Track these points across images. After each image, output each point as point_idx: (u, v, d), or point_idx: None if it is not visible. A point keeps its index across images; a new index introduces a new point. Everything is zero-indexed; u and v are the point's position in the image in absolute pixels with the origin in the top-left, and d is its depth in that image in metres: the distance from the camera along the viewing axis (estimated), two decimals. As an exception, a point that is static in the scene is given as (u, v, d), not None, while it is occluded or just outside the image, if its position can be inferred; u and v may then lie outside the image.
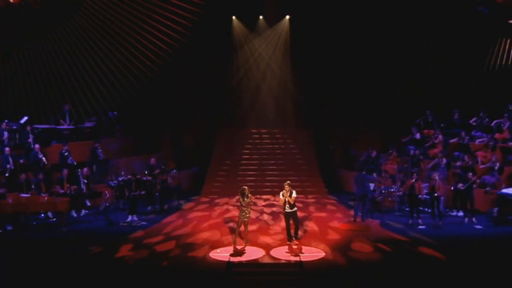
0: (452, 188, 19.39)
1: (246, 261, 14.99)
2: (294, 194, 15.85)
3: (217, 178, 24.18)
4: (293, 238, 15.83)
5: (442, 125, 23.87)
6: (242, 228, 15.97)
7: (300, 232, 16.39)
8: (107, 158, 21.87)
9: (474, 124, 23.40)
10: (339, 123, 25.83)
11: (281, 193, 15.95)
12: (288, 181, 16.25)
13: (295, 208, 15.92)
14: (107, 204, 19.33)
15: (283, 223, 16.72)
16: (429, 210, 18.67)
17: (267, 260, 15.11)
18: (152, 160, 21.12)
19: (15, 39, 24.15)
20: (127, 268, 14.66)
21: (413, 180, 18.71)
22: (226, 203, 21.63)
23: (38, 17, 23.73)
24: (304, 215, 19.29)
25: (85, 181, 19.85)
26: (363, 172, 18.70)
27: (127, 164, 22.52)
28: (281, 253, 15.49)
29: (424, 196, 18.78)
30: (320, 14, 25.29)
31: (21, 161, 20.09)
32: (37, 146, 20.66)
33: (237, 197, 16.56)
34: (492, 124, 22.90)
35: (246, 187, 16.23)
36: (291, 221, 15.89)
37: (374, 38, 25.08)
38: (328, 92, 25.89)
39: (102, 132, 23.54)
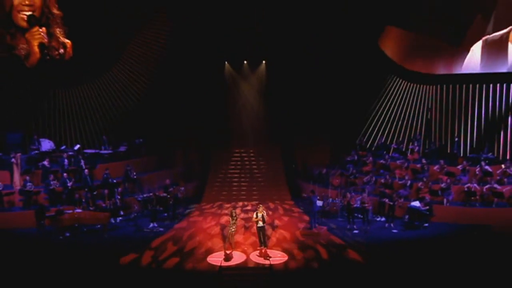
0: (378, 200, 19.68)
1: (232, 265, 15.22)
2: (265, 214, 16.21)
3: (213, 188, 23.99)
4: (263, 245, 16.04)
5: (373, 148, 24.14)
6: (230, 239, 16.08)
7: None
8: (137, 177, 21.81)
9: (394, 147, 23.71)
10: (301, 144, 25.70)
11: (255, 213, 16.18)
12: (261, 204, 16.67)
13: (264, 224, 16.16)
14: (136, 214, 19.49)
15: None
16: (361, 216, 18.94)
17: (247, 264, 15.38)
18: (167, 181, 21.09)
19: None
20: (141, 270, 14.94)
21: (349, 197, 19.16)
22: (219, 210, 21.48)
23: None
24: (272, 220, 19.28)
25: (119, 197, 19.95)
26: (313, 195, 18.88)
27: (151, 178, 22.58)
28: (256, 257, 15.75)
29: (356, 205, 18.89)
30: (287, 59, 25.36)
31: (70, 183, 20.04)
32: (86, 171, 20.65)
33: (227, 217, 16.65)
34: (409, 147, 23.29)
35: (234, 210, 16.67)
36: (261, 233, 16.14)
37: (324, 78, 25.12)
38: (293, 119, 25.78)
39: (132, 154, 23.60)
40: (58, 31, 22.61)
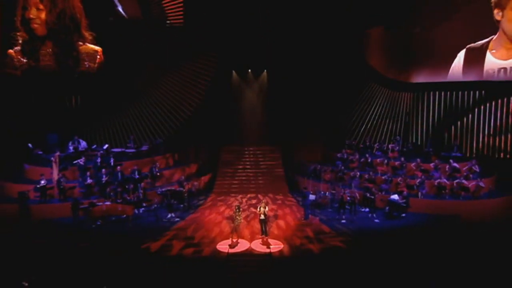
0: (363, 193, 19.81)
1: (238, 252, 15.44)
2: (267, 209, 16.46)
3: (221, 182, 23.85)
4: (264, 234, 16.26)
5: (361, 145, 24.12)
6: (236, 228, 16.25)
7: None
8: (158, 174, 21.79)
9: (377, 147, 23.82)
10: (298, 143, 25.54)
11: (259, 207, 16.46)
12: (264, 200, 16.88)
13: (266, 217, 16.37)
14: (156, 206, 19.66)
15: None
16: (348, 207, 19.06)
17: (250, 251, 15.57)
18: (182, 178, 21.30)
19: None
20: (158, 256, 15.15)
21: (342, 193, 19.30)
22: (227, 202, 21.44)
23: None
24: (272, 212, 19.10)
25: (142, 191, 20.09)
26: (306, 191, 19.20)
27: (169, 174, 22.66)
28: (258, 245, 15.91)
29: (348, 199, 18.98)
30: (285, 68, 25.37)
31: (105, 178, 20.28)
32: (118, 167, 20.86)
33: (233, 210, 16.78)
34: (389, 147, 23.32)
35: (239, 205, 16.79)
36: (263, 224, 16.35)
37: (319, 86, 25.12)
38: (291, 121, 25.66)
39: (153, 153, 23.56)
40: (81, 47, 22.75)
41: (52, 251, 15.31)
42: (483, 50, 22.07)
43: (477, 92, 23.04)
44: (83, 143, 23.02)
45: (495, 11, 21.28)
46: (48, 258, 14.77)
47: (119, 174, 20.61)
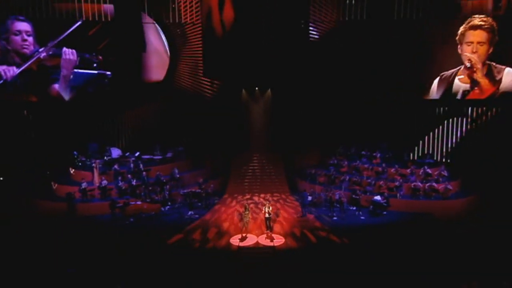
0: (350, 194, 20.08)
1: (247, 245, 15.83)
2: (270, 208, 16.79)
3: (233, 184, 23.89)
4: (268, 230, 16.62)
5: (352, 150, 24.11)
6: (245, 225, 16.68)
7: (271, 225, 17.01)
8: (180, 176, 22.00)
9: (363, 153, 23.90)
10: (298, 150, 25.23)
11: (264, 207, 16.86)
12: (268, 200, 17.19)
13: (270, 215, 16.73)
14: (179, 204, 20.04)
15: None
16: (338, 206, 19.29)
17: (257, 244, 15.93)
18: (200, 179, 21.61)
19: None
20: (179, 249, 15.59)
21: (331, 193, 19.61)
22: (237, 201, 21.60)
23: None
24: (275, 210, 18.72)
25: (167, 192, 20.45)
26: (304, 192, 19.45)
27: (189, 177, 22.76)
28: (263, 239, 16.25)
29: (337, 198, 19.35)
30: (288, 88, 25.42)
31: (134, 182, 20.66)
32: (144, 173, 21.27)
33: (242, 209, 17.11)
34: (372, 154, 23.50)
35: (247, 204, 17.13)
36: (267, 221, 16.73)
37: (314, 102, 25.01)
38: (291, 131, 25.33)
39: (176, 159, 23.83)
40: None
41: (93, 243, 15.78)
42: (452, 76, 22.54)
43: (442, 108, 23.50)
44: (118, 151, 23.45)
45: (458, 46, 22.07)
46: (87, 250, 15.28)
47: (145, 177, 20.97)
